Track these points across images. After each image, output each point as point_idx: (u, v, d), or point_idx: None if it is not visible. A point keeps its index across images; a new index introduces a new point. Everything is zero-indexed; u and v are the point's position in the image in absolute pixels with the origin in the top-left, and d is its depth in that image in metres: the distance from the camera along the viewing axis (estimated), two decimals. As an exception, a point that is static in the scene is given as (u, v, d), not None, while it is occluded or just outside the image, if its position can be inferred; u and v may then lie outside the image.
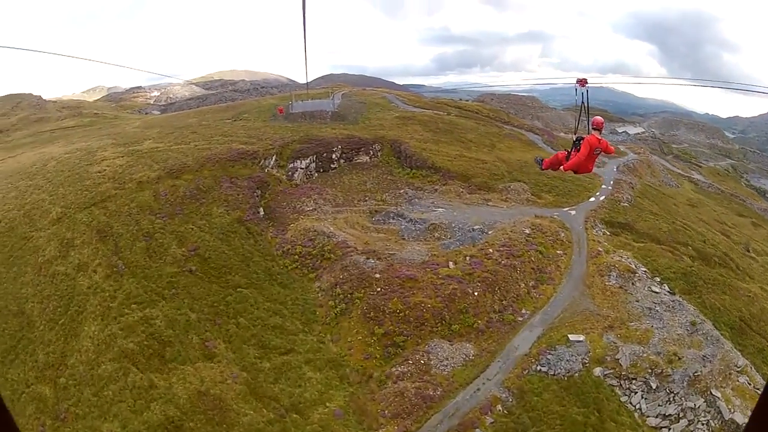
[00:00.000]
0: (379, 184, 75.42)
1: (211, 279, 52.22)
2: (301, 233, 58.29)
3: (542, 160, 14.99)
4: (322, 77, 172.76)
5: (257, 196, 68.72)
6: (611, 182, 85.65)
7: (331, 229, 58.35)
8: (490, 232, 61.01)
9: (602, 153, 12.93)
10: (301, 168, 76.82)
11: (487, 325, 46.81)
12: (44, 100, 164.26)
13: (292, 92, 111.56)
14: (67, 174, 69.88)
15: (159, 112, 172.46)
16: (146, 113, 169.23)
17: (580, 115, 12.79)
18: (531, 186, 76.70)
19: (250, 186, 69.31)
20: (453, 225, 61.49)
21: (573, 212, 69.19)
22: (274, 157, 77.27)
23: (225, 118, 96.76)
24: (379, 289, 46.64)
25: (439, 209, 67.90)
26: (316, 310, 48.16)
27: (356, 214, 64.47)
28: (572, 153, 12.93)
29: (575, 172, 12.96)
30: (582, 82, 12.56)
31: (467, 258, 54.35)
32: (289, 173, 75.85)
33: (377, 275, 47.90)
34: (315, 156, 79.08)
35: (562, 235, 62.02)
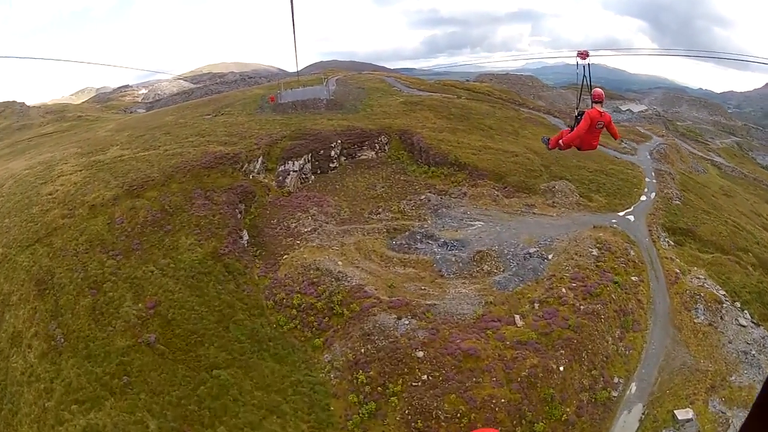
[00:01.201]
0: (392, 187, 55.29)
1: (177, 355, 32.87)
2: (299, 271, 38.58)
3: (549, 140, 11.97)
4: (313, 65, 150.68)
5: (239, 214, 48.56)
6: (652, 173, 66.51)
7: (339, 264, 38.65)
8: (550, 257, 41.81)
9: (605, 129, 10.65)
10: (294, 171, 56.43)
11: (578, 412, 28.20)
12: (28, 106, 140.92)
13: (281, 81, 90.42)
14: (18, 198, 51.17)
15: (144, 110, 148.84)
16: (130, 112, 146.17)
17: (581, 90, 10.63)
18: (577, 185, 57.10)
19: (230, 200, 49.04)
20: (502, 249, 42.02)
21: (632, 218, 52.43)
22: (260, 159, 56.81)
23: (205, 114, 75.67)
24: (425, 377, 27.41)
25: (477, 223, 48.18)
26: (329, 403, 28.68)
27: (370, 235, 44.61)
28: (575, 128, 10.52)
29: (579, 149, 11.11)
30: (583, 54, 10.43)
31: (535, 305, 35.27)
32: (280, 178, 55.55)
33: (419, 352, 28.54)
34: (310, 154, 58.70)
35: (632, 253, 43.62)
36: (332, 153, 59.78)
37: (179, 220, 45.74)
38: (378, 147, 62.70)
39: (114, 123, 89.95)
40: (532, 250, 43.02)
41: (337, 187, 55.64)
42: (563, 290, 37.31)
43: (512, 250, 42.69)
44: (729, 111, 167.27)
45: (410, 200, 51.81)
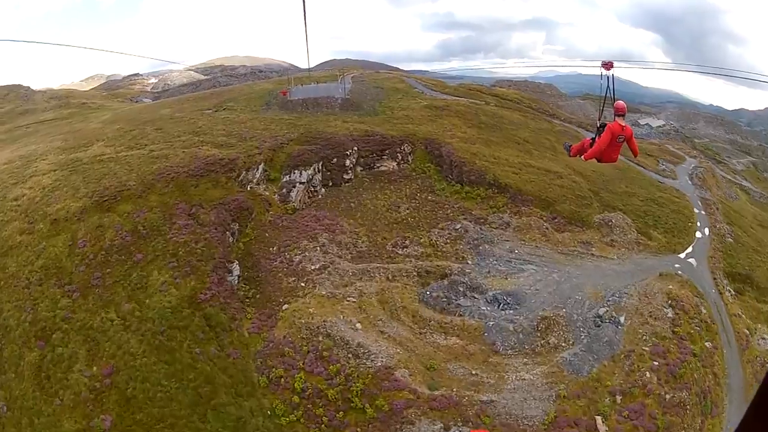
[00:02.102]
0: (419, 209, 42.94)
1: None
2: (304, 335, 26.66)
3: (570, 147, 11.42)
4: (325, 62, 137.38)
5: (231, 237, 36.41)
6: (699, 202, 55.08)
7: (358, 327, 26.83)
8: (622, 319, 30.03)
9: (626, 143, 9.69)
10: (301, 183, 44.05)
11: None
12: (33, 90, 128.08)
13: (291, 76, 77.90)
14: (-18, 205, 38.94)
15: (150, 100, 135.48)
16: (136, 101, 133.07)
17: (604, 101, 9.74)
18: (632, 217, 45.22)
19: (220, 219, 36.83)
20: (568, 310, 30.01)
21: (694, 262, 41.90)
22: (261, 167, 44.39)
23: (204, 109, 63.10)
24: None
25: (529, 267, 36.01)
26: None
27: (396, 280, 32.27)
28: (596, 140, 9.74)
29: (598, 161, 10.18)
30: (608, 65, 9.56)
31: (617, 397, 24.01)
32: (284, 191, 43.22)
33: None
34: (321, 163, 46.33)
35: (703, 311, 33.51)
36: (347, 162, 47.44)
37: (153, 246, 33.51)
38: (400, 157, 50.35)
39: (110, 113, 77.34)
40: (602, 311, 31.01)
41: (353, 205, 43.31)
42: (647, 374, 26.19)
43: (579, 310, 30.65)
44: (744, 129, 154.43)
45: (443, 229, 39.47)
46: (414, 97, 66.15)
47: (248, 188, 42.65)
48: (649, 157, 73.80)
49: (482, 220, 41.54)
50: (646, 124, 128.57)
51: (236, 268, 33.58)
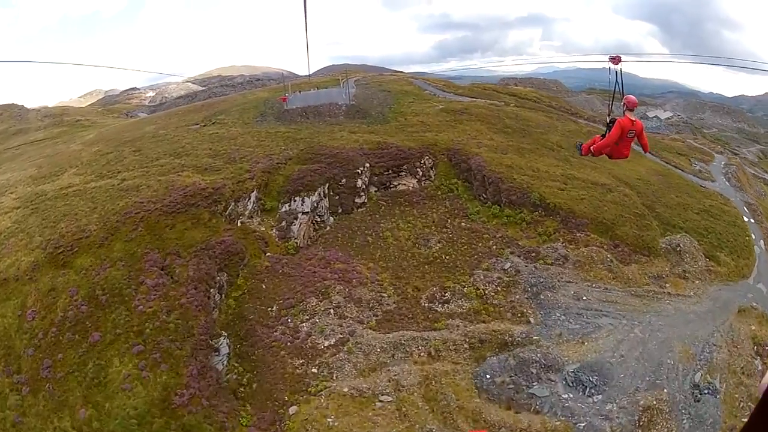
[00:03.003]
0: (453, 242, 32.42)
1: None
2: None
3: (582, 145, 10.07)
4: (324, 68, 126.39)
5: (216, 296, 26.09)
6: (744, 208, 45.94)
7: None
8: (717, 383, 21.24)
9: (636, 138, 8.78)
10: (304, 212, 33.50)
11: None
12: (27, 109, 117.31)
13: (288, 82, 67.14)
14: None
15: (146, 114, 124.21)
16: (131, 116, 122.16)
17: (613, 97, 8.85)
18: (695, 237, 35.47)
19: (201, 274, 26.50)
20: (668, 390, 20.25)
21: (763, 288, 33.38)
22: (253, 195, 33.89)
23: (191, 123, 52.45)
24: None
25: (605, 320, 25.68)
26: None
27: (441, 357, 21.81)
28: (606, 136, 8.82)
29: (610, 157, 9.23)
30: (616, 59, 8.62)
31: None
32: (283, 224, 32.73)
33: None
34: (327, 185, 35.84)
35: None
36: (358, 182, 36.92)
37: (114, 320, 23.30)
38: (421, 173, 39.83)
39: (95, 132, 66.76)
40: (697, 377, 21.74)
41: (369, 239, 32.80)
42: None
43: (675, 382, 21.08)
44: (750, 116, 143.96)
45: (488, 270, 28.97)
46: (426, 100, 55.52)
47: (238, 224, 32.21)
48: (680, 156, 63.65)
49: (533, 254, 30.98)
50: (655, 116, 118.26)
51: (224, 345, 23.22)
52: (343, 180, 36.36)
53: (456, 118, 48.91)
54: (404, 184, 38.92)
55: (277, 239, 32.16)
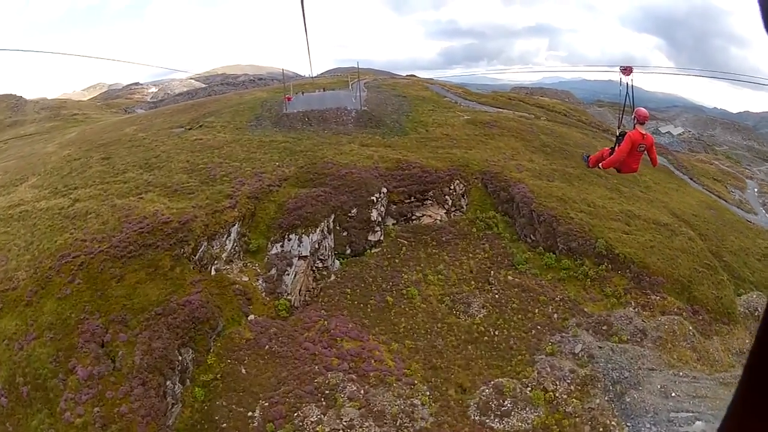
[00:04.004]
0: (502, 306, 22.45)
1: None
2: None
3: (589, 157, 9.31)
4: (329, 71, 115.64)
5: (174, 388, 16.01)
6: None
7: None
8: None
9: (646, 152, 7.88)
10: (302, 256, 23.40)
11: None
12: (25, 100, 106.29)
13: (291, 82, 56.70)
14: None
15: (144, 110, 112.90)
16: (130, 112, 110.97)
17: (623, 108, 8.07)
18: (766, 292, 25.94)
19: (154, 358, 16.45)
20: None
21: None
22: (233, 231, 23.72)
23: (176, 125, 42.11)
24: None
25: (698, 426, 16.00)
26: None
27: None
28: (616, 149, 8.02)
29: (619, 171, 8.51)
30: (627, 70, 7.95)
31: None
32: (273, 272, 22.68)
33: None
34: (333, 216, 25.85)
35: None
36: (373, 213, 26.78)
37: (36, 429, 13.27)
38: (450, 202, 29.72)
39: (78, 131, 56.21)
40: None
41: (389, 297, 22.74)
42: None
43: None
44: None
45: (553, 355, 19.18)
46: (448, 108, 45.32)
47: (212, 271, 22.07)
48: (717, 183, 54.45)
49: (604, 327, 21.25)
50: (667, 132, 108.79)
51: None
52: (354, 210, 26.24)
53: (486, 132, 38.80)
54: (430, 216, 28.86)
55: (263, 294, 22.07)
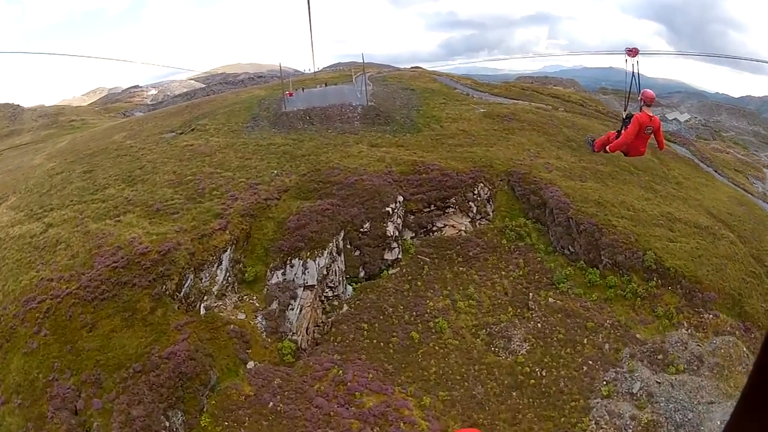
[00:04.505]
0: (546, 337, 18.19)
1: None
2: None
3: (594, 141, 8.72)
4: (330, 66, 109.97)
5: None
6: None
7: None
8: None
9: (653, 134, 7.46)
10: (308, 286, 19.09)
11: None
12: (22, 109, 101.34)
13: (290, 78, 51.87)
14: None
15: (142, 113, 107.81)
16: (128, 115, 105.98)
17: (629, 91, 7.77)
18: None
19: (135, 428, 12.11)
20: None
21: None
22: (226, 257, 19.34)
23: (167, 130, 37.52)
24: None
25: None
26: None
27: None
28: (622, 132, 7.57)
29: (626, 154, 8.00)
30: (633, 51, 7.56)
31: None
32: (274, 307, 18.39)
33: None
34: (343, 233, 21.49)
35: None
36: (389, 227, 22.29)
37: None
38: (475, 208, 25.18)
39: (69, 140, 51.59)
40: None
41: (414, 333, 18.34)
42: None
43: None
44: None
45: (609, 398, 15.05)
46: (460, 101, 40.50)
47: (200, 310, 17.76)
48: (738, 174, 49.86)
49: (659, 356, 17.55)
50: (674, 119, 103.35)
51: None
52: (366, 225, 21.77)
53: (505, 126, 34.08)
54: (453, 226, 24.38)
55: (264, 335, 17.77)
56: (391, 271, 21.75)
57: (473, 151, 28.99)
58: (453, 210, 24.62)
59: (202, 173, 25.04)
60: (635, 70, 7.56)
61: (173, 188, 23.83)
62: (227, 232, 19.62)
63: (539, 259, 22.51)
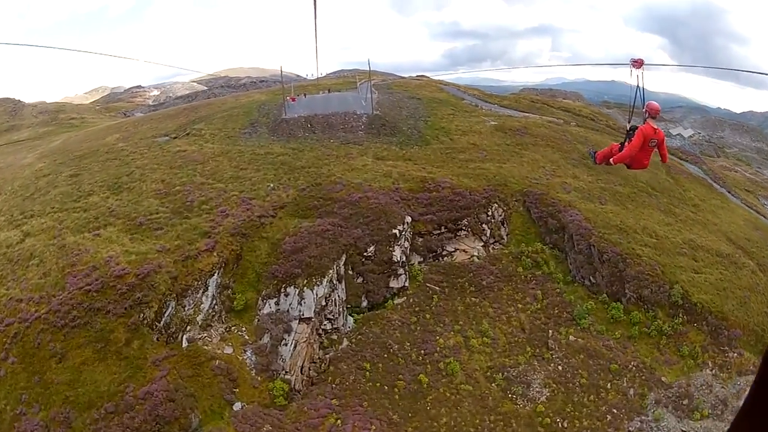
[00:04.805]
0: (568, 382, 15.97)
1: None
2: None
3: (596, 153, 8.50)
4: (334, 73, 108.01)
5: None
6: None
7: None
8: None
9: (657, 148, 7.22)
10: (303, 319, 16.81)
11: None
12: (23, 104, 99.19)
13: (291, 84, 49.67)
14: None
15: (142, 114, 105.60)
16: (128, 115, 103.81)
17: (634, 102, 7.24)
18: None
19: None
20: None
21: None
22: (213, 282, 17.00)
23: (162, 133, 35.26)
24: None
25: None
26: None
27: None
28: (626, 144, 7.30)
29: (628, 167, 7.71)
30: (638, 63, 7.04)
31: None
32: (266, 341, 16.05)
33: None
34: (345, 257, 19.22)
35: None
36: (396, 252, 20.00)
37: None
38: (489, 231, 22.94)
39: (63, 138, 49.29)
40: None
41: (422, 376, 16.20)
42: None
43: None
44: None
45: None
46: (469, 112, 38.39)
47: (182, 342, 15.43)
48: (749, 194, 47.94)
49: (684, 402, 15.73)
50: (678, 134, 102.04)
51: None
52: (371, 248, 19.50)
53: (518, 141, 31.95)
54: (464, 250, 22.15)
55: (254, 372, 15.45)
56: (396, 301, 19.47)
57: (486, 168, 26.81)
58: (465, 233, 22.40)
59: (192, 183, 22.76)
60: (640, 82, 7.21)
61: (160, 199, 21.54)
62: (215, 253, 17.32)
63: (558, 290, 20.28)
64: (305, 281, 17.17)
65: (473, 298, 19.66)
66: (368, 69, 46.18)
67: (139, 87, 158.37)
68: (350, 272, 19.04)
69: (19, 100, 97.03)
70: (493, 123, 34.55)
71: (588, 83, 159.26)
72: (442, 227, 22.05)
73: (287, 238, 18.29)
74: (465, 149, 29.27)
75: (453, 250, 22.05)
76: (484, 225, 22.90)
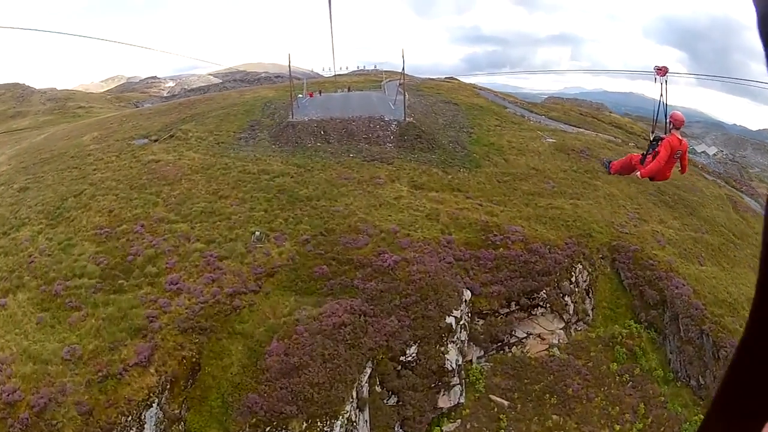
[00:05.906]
0: None
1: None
2: None
3: (610, 163, 7.77)
4: (352, 72, 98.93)
5: None
6: None
7: None
8: None
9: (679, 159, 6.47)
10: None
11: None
12: (31, 90, 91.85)
13: (305, 80, 41.26)
14: None
15: (151, 105, 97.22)
16: (138, 106, 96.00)
17: (657, 111, 6.45)
18: None
19: None
20: None
21: None
22: (152, 417, 9.30)
23: (142, 134, 27.27)
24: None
25: None
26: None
27: None
28: (648, 155, 6.60)
29: (651, 179, 6.96)
30: (662, 70, 6.46)
31: None
32: None
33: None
34: (372, 365, 11.27)
35: None
36: (450, 351, 11.98)
37: None
38: (572, 306, 15.01)
39: (51, 131, 41.31)
40: None
41: None
42: None
43: None
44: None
45: None
46: (518, 124, 29.88)
47: None
48: None
49: None
50: (703, 152, 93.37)
51: None
52: (412, 349, 11.49)
53: (585, 167, 23.56)
54: (540, 336, 14.12)
55: None
56: (446, 428, 11.50)
57: (559, 207, 18.58)
58: (543, 310, 14.32)
59: (146, 219, 14.79)
60: (663, 91, 6.39)
61: (96, 244, 13.62)
62: (152, 369, 9.42)
63: (662, 398, 12.29)
64: (304, 425, 9.21)
65: (555, 416, 11.72)
66: (386, 70, 37.83)
67: (154, 78, 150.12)
68: (378, 389, 11.06)
69: (28, 86, 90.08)
70: (551, 140, 26.24)
71: (606, 94, 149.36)
72: (512, 303, 13.96)
73: (276, 343, 10.30)
74: (526, 176, 21.05)
75: (525, 336, 14.02)
76: (566, 297, 14.80)
